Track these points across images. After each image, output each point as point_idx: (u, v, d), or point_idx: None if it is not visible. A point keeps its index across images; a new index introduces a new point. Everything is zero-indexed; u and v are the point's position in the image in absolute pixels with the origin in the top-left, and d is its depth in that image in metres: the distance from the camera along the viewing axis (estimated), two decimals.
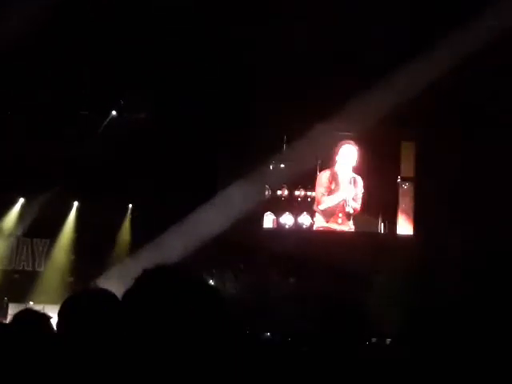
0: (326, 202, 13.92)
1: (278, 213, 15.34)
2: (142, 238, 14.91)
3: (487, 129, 14.13)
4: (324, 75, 13.55)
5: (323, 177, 14.12)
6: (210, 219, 14.41)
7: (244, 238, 13.99)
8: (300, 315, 11.61)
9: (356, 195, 13.84)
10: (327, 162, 14.36)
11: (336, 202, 13.85)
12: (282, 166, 15.48)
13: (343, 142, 13.99)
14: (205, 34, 13.28)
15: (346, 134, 14.51)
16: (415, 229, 15.00)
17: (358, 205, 13.88)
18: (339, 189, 13.84)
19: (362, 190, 13.87)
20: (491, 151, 13.96)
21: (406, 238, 14.98)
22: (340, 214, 14.13)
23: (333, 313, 4.57)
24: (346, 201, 13.75)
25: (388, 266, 13.10)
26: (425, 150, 14.79)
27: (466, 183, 14.15)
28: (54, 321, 4.34)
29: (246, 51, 13.57)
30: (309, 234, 15.03)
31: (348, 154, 13.82)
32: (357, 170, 14.07)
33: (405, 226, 15.15)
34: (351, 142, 13.89)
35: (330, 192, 13.92)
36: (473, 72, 13.27)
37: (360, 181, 13.90)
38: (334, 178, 13.99)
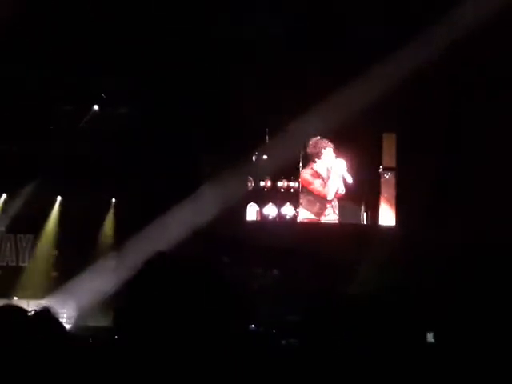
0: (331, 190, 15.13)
1: (261, 204, 15.40)
2: (125, 232, 14.87)
3: (468, 120, 14.21)
4: (305, 70, 13.58)
5: (306, 175, 15.19)
6: (195, 212, 14.42)
7: (228, 230, 14.02)
8: (284, 307, 11.67)
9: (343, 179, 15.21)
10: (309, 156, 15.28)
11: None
12: (265, 157, 15.54)
13: (321, 144, 15.06)
14: (189, 31, 13.28)
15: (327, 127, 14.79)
16: (397, 219, 15.13)
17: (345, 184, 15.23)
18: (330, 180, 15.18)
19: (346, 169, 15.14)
20: (472, 142, 14.06)
21: (388, 229, 15.10)
22: (328, 206, 14.93)
23: (317, 304, 4.60)
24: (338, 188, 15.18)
25: (371, 257, 13.19)
26: (406, 141, 14.91)
27: (447, 174, 14.27)
28: None
29: (228, 48, 13.58)
30: (293, 226, 15.17)
31: (329, 158, 15.11)
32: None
33: (387, 215, 15.28)
34: (330, 144, 15.05)
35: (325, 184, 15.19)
36: (453, 63, 13.35)
37: (343, 164, 15.13)
38: (317, 175, 15.16)
